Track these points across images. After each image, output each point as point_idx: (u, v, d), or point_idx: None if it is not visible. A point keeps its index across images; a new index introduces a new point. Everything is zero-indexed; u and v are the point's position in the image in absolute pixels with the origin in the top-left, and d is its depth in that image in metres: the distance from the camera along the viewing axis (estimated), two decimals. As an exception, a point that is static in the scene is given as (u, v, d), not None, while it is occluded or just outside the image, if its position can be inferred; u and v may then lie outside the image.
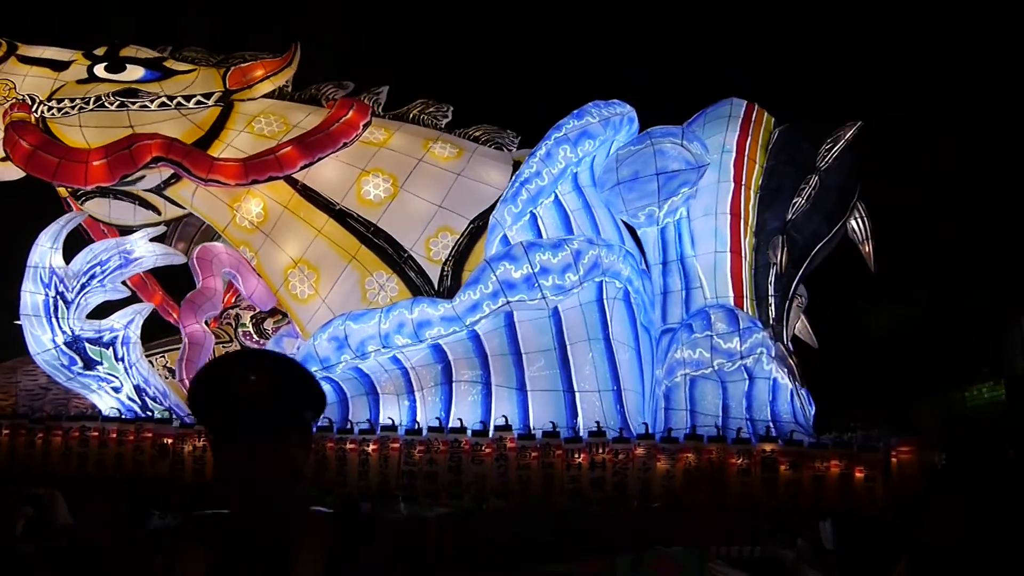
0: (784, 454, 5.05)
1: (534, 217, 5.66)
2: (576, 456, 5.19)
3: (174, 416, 5.97)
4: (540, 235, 5.65)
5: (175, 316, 7.17)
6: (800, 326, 8.24)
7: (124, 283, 6.42)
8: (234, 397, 1.72)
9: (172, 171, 5.94)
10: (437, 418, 5.52)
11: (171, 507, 6.53)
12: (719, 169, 5.84)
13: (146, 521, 6.52)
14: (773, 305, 5.56)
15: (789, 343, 5.79)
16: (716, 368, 5.27)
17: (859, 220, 6.38)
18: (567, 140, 5.58)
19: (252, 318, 7.67)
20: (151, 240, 6.50)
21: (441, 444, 5.32)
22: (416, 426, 5.46)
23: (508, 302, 5.16)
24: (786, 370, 5.46)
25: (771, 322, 5.54)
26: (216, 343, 7.03)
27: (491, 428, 5.42)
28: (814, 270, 6.03)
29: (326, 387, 5.64)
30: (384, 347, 5.31)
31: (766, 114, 6.39)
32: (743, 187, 5.80)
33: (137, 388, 6.21)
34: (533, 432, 5.33)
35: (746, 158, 5.93)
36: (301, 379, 1.81)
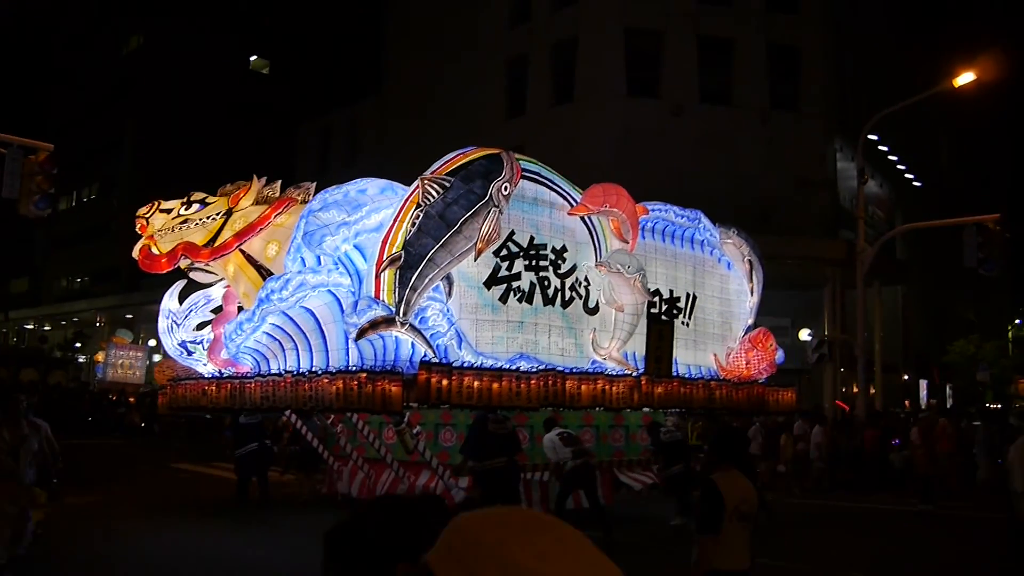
0: (366, 378, 9.10)
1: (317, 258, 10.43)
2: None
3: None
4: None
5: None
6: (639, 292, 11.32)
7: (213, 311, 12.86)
8: None
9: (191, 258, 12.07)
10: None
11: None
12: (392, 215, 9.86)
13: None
14: (396, 294, 9.43)
15: (411, 313, 9.47)
16: (356, 334, 9.47)
17: (485, 224, 9.66)
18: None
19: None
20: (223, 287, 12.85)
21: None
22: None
23: (264, 309, 10.14)
24: (404, 330, 9.34)
25: (395, 304, 9.42)
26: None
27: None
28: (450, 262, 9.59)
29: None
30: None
31: (471, 158, 10.04)
32: (397, 222, 9.72)
33: (216, 363, 12.56)
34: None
35: (408, 202, 9.82)
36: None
